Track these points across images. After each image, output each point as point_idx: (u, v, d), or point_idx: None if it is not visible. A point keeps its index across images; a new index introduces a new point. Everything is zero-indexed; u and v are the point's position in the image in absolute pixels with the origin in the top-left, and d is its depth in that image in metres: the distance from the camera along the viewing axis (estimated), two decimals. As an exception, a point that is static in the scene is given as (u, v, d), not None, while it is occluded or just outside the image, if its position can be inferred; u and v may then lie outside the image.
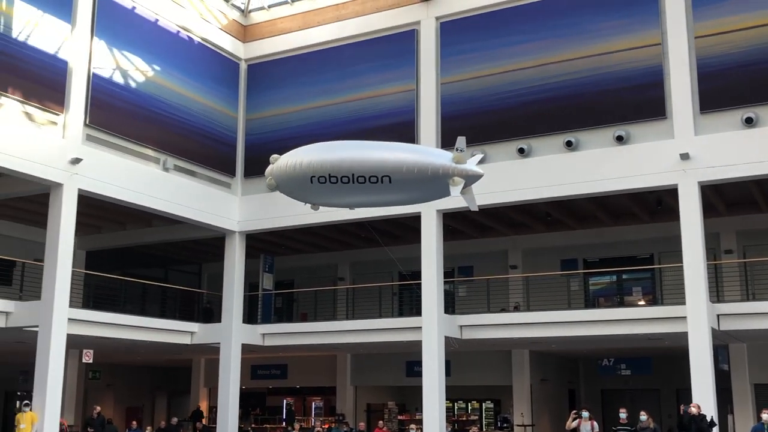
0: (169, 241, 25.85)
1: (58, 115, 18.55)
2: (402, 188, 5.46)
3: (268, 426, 29.41)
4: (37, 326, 18.09)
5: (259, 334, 24.27)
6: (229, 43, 24.01)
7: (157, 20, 21.60)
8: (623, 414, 18.15)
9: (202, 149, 22.81)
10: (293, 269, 28.31)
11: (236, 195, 23.82)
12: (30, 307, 18.51)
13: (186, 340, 23.67)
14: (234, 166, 23.88)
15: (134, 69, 20.84)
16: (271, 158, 5.99)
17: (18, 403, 27.02)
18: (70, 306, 18.65)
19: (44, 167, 17.85)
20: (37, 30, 18.14)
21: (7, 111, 17.37)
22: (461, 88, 21.09)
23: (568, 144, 19.47)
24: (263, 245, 26.11)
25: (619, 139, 18.99)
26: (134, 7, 20.91)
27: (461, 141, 5.60)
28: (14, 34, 17.63)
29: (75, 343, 20.16)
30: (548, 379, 27.41)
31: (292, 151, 6.22)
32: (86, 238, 24.99)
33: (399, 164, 5.35)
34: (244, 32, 24.64)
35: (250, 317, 24.66)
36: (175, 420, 25.76)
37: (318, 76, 23.31)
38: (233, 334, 23.07)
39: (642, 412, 17.59)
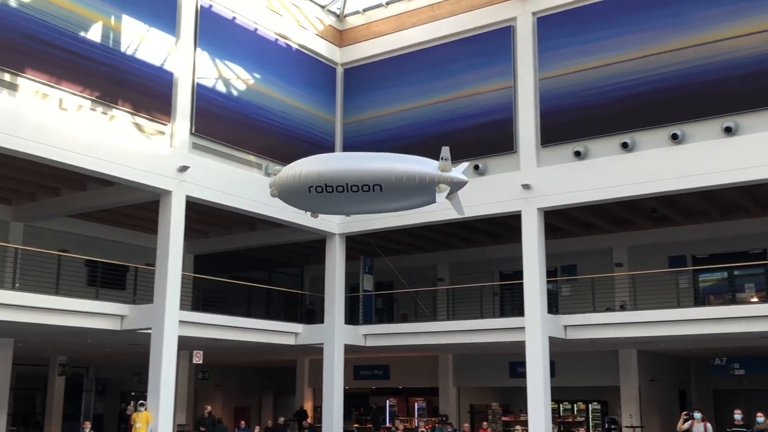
0: (273, 244, 26.39)
1: (165, 125, 19.23)
2: (392, 196, 5.63)
3: (371, 426, 29.63)
4: (150, 328, 18.79)
5: (360, 334, 24.51)
6: (325, 49, 24.35)
7: (256, 29, 22.11)
8: (738, 415, 17.44)
9: (302, 153, 22.90)
10: (392, 270, 28.42)
11: (336, 198, 24.05)
12: (143, 310, 19.25)
13: (290, 340, 24.12)
14: (333, 169, 24.12)
15: (235, 78, 21.41)
16: (273, 170, 6.01)
17: (133, 403, 28.20)
18: (181, 309, 19.28)
19: (154, 175, 18.54)
20: (144, 43, 18.86)
21: (118, 123, 18.13)
22: (560, 83, 20.72)
23: (674, 137, 18.84)
24: (363, 247, 26.34)
25: (728, 131, 18.21)
26: (234, 18, 21.47)
27: (445, 151, 5.72)
28: (123, 49, 18.37)
29: (185, 345, 20.83)
30: (657, 379, 26.59)
31: (292, 164, 6.44)
32: (194, 243, 25.78)
33: (389, 173, 5.54)
34: (340, 37, 24.94)
35: (351, 318, 24.93)
36: (281, 419, 26.31)
37: (413, 77, 23.36)
38: (336, 335, 23.37)
39: (759, 414, 16.87)
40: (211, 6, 20.71)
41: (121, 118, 18.23)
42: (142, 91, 18.69)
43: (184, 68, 19.76)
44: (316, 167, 5.93)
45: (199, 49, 20.20)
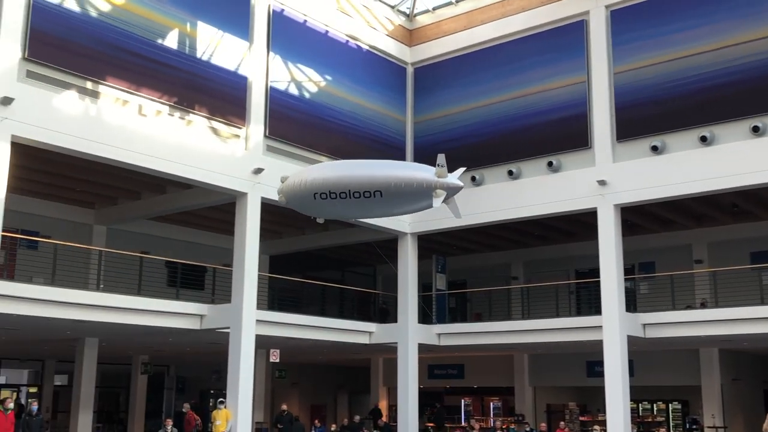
0: (345, 244, 26.60)
1: (240, 128, 19.59)
2: (392, 201, 5.88)
3: (447, 425, 29.57)
4: (228, 328, 19.18)
5: (434, 334, 24.49)
6: (395, 49, 24.42)
7: (327, 31, 22.33)
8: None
9: (373, 154, 23.27)
10: (465, 269, 28.35)
11: (408, 197, 24.10)
12: (221, 309, 19.65)
13: (364, 339, 24.27)
14: (404, 168, 24.19)
15: (307, 80, 21.66)
16: (281, 178, 6.58)
17: (212, 401, 28.80)
18: (257, 308, 19.62)
19: (230, 178, 18.93)
20: (219, 49, 19.26)
21: (195, 127, 18.56)
22: (635, 77, 20.31)
23: (755, 129, 18.25)
24: (435, 246, 26.32)
25: (814, 121, 17.56)
26: (305, 21, 21.73)
27: (441, 158, 6.00)
28: (198, 54, 18.81)
29: (262, 344, 21.17)
30: (741, 378, 25.81)
31: (297, 171, 6.73)
32: (269, 243, 26.17)
33: (388, 180, 5.81)
34: (410, 36, 24.98)
35: (424, 317, 24.94)
36: (357, 418, 26.50)
37: (484, 74, 23.24)
38: (409, 334, 23.42)
39: None
40: (282, 10, 21.00)
41: (198, 122, 18.66)
42: (217, 95, 19.09)
43: (258, 72, 20.09)
44: (321, 175, 6.22)
45: (271, 53, 20.52)
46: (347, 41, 22.98)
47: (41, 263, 18.32)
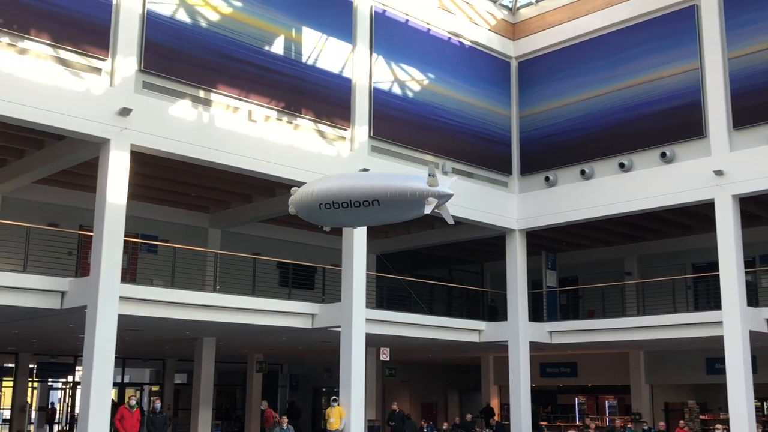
0: (452, 242, 26.53)
1: (345, 130, 19.85)
2: (389, 209, 6.39)
3: (560, 423, 29.08)
4: (339, 326, 19.46)
5: (546, 331, 24.12)
6: (498, 43, 24.18)
7: (428, 29, 22.34)
8: None
9: (478, 150, 23.18)
10: (577, 265, 27.78)
11: (514, 193, 23.89)
12: (332, 308, 19.96)
13: (474, 338, 24.15)
14: (510, 164, 23.99)
15: (410, 79, 21.73)
16: (291, 190, 7.29)
17: (324, 398, 29.31)
18: (366, 307, 19.83)
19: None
20: (323, 53, 19.57)
21: (302, 131, 18.93)
22: (752, 62, 19.40)
23: None
24: (544, 242, 25.92)
25: None
26: (407, 20, 21.80)
27: (431, 168, 6.56)
28: (304, 59, 19.16)
29: (372, 342, 21.37)
30: None
31: (305, 184, 7.40)
32: (376, 243, 26.39)
33: (384, 189, 6.32)
34: (513, 30, 24.68)
35: (535, 315, 24.59)
36: (469, 416, 26.39)
37: (589, 65, 22.73)
38: (520, 332, 23.16)
39: None
40: (384, 11, 21.15)
41: (305, 126, 19.02)
42: (323, 98, 19.41)
43: (361, 74, 20.31)
44: (324, 186, 6.82)
45: (374, 54, 20.69)
46: (449, 38, 22.92)
47: (161, 266, 19.10)
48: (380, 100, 20.69)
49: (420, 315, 22.73)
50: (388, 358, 22.41)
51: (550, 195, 23.04)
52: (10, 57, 14.38)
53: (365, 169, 19.45)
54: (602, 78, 22.35)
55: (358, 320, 19.21)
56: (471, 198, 22.23)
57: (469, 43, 23.43)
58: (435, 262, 29.64)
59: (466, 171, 22.71)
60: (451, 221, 7.39)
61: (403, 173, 6.12)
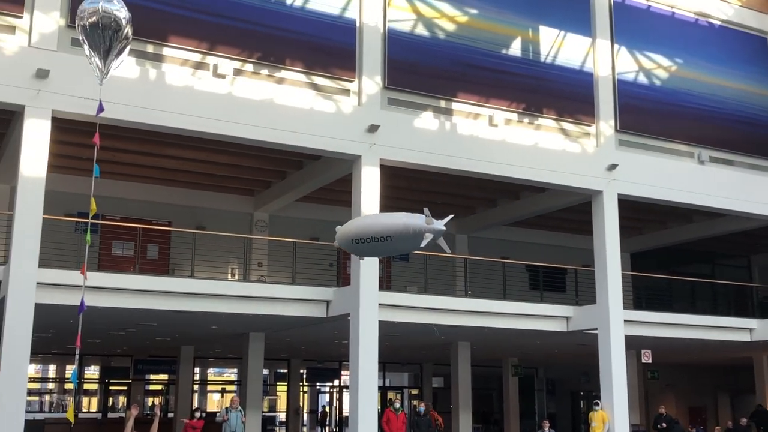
0: (712, 235, 24.82)
1: (589, 126, 19.30)
2: (399, 243, 7.80)
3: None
4: (595, 329, 18.92)
5: (829, 328, 21.82)
6: (753, 19, 22.36)
7: (673, 13, 21.17)
8: None
9: (738, 135, 21.52)
10: None
11: (783, 179, 21.90)
12: (586, 311, 19.47)
13: (744, 337, 22.40)
14: (776, 148, 22.04)
15: (656, 67, 20.70)
16: (336, 228, 8.34)
17: (583, 402, 28.60)
18: (623, 308, 19.10)
19: (584, 177, 18.70)
20: (562, 50, 19.21)
21: (544, 131, 18.67)
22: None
23: None
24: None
25: None
26: (649, 6, 20.81)
27: (426, 211, 7.68)
28: (542, 58, 18.93)
29: (631, 344, 20.54)
30: None
31: (347, 222, 8.59)
32: (629, 240, 25.37)
33: (394, 227, 7.77)
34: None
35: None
36: (743, 421, 24.62)
37: None
38: (800, 330, 21.14)
39: None
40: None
41: (547, 125, 18.77)
42: (564, 96, 19.05)
43: (603, 66, 19.67)
44: (354, 225, 8.30)
45: (616, 45, 19.97)
46: (696, 20, 21.54)
47: (412, 273, 19.71)
48: (625, 91, 19.90)
49: (681, 314, 21.52)
50: (650, 360, 21.45)
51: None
52: (269, 87, 15.64)
53: (613, 166, 18.83)
54: None
55: (616, 322, 18.57)
56: (731, 187, 20.73)
57: (719, 23, 21.87)
58: (695, 258, 27.90)
59: (725, 158, 21.19)
60: (448, 251, 8.64)
61: (407, 214, 7.05)
